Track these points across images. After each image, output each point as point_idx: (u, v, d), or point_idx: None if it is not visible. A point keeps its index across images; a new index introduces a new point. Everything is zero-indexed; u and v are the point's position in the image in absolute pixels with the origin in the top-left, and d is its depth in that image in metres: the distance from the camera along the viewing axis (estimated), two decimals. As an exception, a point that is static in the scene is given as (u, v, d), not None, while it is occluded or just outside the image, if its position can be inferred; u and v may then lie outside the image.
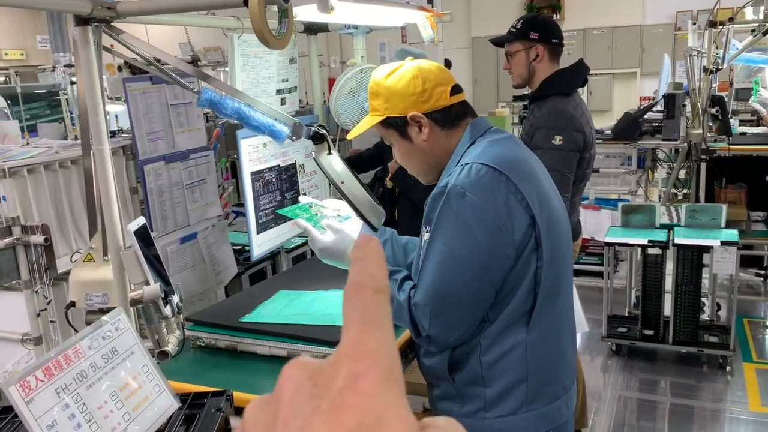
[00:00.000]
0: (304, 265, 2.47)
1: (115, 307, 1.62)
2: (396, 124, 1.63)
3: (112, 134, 4.06)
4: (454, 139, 1.63)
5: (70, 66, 7.86)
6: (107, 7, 1.36)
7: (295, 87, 2.24)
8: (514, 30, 2.69)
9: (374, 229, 1.78)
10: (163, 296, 1.48)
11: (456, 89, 1.64)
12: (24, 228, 2.51)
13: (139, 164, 3.01)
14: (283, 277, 2.32)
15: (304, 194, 2.42)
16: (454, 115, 1.62)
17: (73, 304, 1.64)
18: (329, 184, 1.86)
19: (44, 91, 7.54)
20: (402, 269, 1.63)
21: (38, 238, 2.49)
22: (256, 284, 2.51)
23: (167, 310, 1.50)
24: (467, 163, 1.51)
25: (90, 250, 1.68)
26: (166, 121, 2.78)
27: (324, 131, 1.75)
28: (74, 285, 1.65)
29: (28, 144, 2.91)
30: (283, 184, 2.19)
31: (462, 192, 1.46)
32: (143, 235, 1.55)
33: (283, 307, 1.83)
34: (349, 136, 1.75)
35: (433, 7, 2.01)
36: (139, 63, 1.63)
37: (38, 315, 2.58)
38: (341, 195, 1.72)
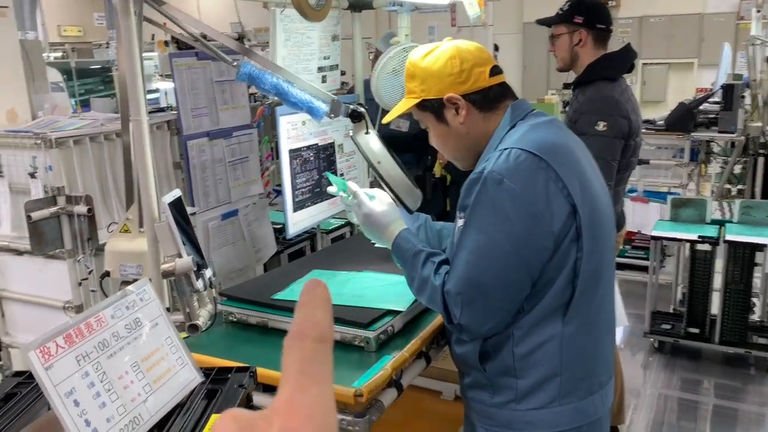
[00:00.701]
0: (339, 246, 2.45)
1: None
2: (432, 107, 1.59)
3: (161, 110, 4.12)
4: (493, 123, 1.58)
5: (122, 42, 8.02)
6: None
7: (337, 65, 2.21)
8: (560, 12, 2.63)
9: (410, 211, 1.75)
10: (195, 269, 1.47)
11: (495, 70, 1.58)
12: (68, 198, 2.56)
13: (182, 140, 3.04)
14: (318, 256, 2.31)
15: (342, 175, 2.40)
16: (492, 97, 1.57)
17: (107, 274, 1.66)
18: (367, 166, 1.83)
19: (98, 66, 7.70)
20: (441, 252, 1.59)
21: (81, 209, 2.54)
22: (290, 262, 2.52)
23: (199, 284, 1.50)
24: (506, 148, 1.46)
25: (126, 221, 1.69)
26: (211, 97, 2.78)
27: (362, 110, 1.72)
28: (110, 255, 1.66)
29: (76, 116, 2.96)
30: (321, 163, 2.17)
31: (499, 178, 1.41)
32: (178, 208, 1.55)
33: (316, 286, 1.82)
34: (385, 120, 1.72)
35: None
36: (185, 38, 1.62)
37: (80, 284, 2.64)
38: (377, 175, 1.69)
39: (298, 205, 2.15)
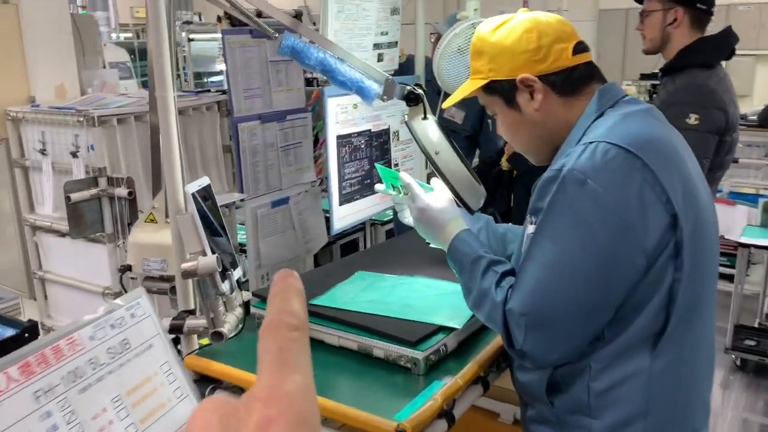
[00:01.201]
0: (390, 244, 2.23)
1: (172, 276, 1.45)
2: (502, 90, 1.35)
3: (223, 93, 3.98)
4: (576, 110, 1.33)
5: (187, 23, 8.00)
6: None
7: (396, 42, 1.98)
8: None
9: (471, 211, 1.51)
10: (221, 270, 1.29)
11: (580, 47, 1.33)
12: (110, 179, 2.44)
13: (233, 122, 2.88)
14: (365, 255, 2.10)
15: (396, 166, 2.17)
16: (576, 79, 1.32)
17: (129, 267, 1.49)
18: (424, 157, 1.60)
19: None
20: (505, 261, 1.35)
21: (122, 191, 2.41)
22: (334, 262, 2.32)
23: (225, 286, 1.31)
24: (591, 142, 1.21)
25: (152, 209, 1.52)
26: (265, 78, 2.60)
27: (420, 91, 1.49)
28: (132, 247, 1.49)
29: (123, 94, 2.84)
30: (373, 151, 1.95)
31: (582, 179, 1.16)
32: (207, 198, 1.37)
33: (360, 291, 1.61)
34: (445, 105, 1.48)
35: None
36: (220, 4, 1.43)
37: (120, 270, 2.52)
38: (434, 168, 1.45)
39: (346, 198, 1.94)
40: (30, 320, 2.61)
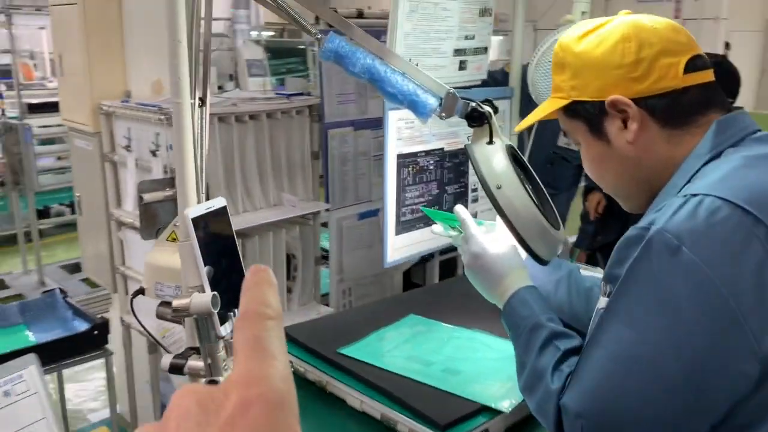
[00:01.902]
0: (460, 281, 1.95)
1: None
2: (586, 113, 1.05)
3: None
4: (683, 147, 1.00)
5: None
6: None
7: (485, 48, 1.69)
8: None
9: (541, 262, 1.21)
10: (219, 310, 1.09)
11: (695, 64, 1.00)
12: (186, 181, 2.35)
13: (323, 127, 2.72)
14: (428, 293, 1.82)
15: (465, 197, 1.88)
16: (686, 106, 1.00)
17: (142, 291, 1.34)
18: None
19: (302, 47, 7.88)
20: (573, 335, 1.05)
21: (195, 195, 2.31)
22: (386, 298, 2.05)
23: (224, 330, 1.11)
24: (695, 194, 0.88)
25: (174, 227, 1.36)
26: (360, 83, 2.40)
27: (488, 109, 1.21)
28: (148, 268, 1.34)
29: (217, 94, 2.76)
30: (446, 174, 1.68)
31: (675, 245, 0.85)
32: (218, 222, 1.18)
33: (403, 341, 1.36)
34: (517, 128, 1.19)
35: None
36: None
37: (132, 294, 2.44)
38: (494, 206, 1.17)
39: (405, 227, 1.68)
40: (102, 317, 2.61)
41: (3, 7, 5.47)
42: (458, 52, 1.62)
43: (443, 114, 1.22)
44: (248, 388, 0.30)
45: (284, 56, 7.12)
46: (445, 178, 1.66)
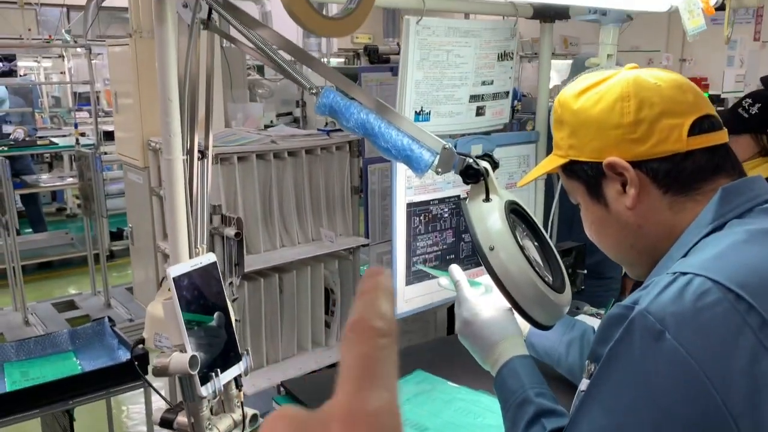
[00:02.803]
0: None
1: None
2: (584, 174, 0.99)
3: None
4: (686, 215, 0.93)
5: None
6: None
7: (507, 92, 1.62)
8: (746, 116, 1.77)
9: (541, 327, 1.14)
10: (200, 371, 1.08)
11: (703, 125, 0.92)
12: (224, 218, 2.39)
13: (363, 163, 2.72)
14: (440, 344, 1.76)
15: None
16: (690, 172, 0.92)
17: (142, 341, 1.35)
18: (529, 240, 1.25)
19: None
20: (561, 412, 0.99)
21: (230, 231, 2.34)
22: (403, 348, 1.99)
23: (206, 390, 1.10)
24: (685, 273, 0.80)
25: (164, 280, 1.37)
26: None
27: (484, 165, 1.16)
28: (149, 319, 1.35)
29: (259, 131, 2.80)
30: (462, 222, 1.62)
31: (657, 329, 0.77)
32: (208, 278, 1.17)
33: (405, 401, 1.31)
34: (520, 183, 1.14)
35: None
36: (248, 50, 1.23)
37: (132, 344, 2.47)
38: (486, 268, 1.11)
39: (417, 276, 1.63)
40: (143, 347, 2.67)
41: (85, 42, 5.80)
42: (474, 98, 1.57)
43: (439, 170, 1.17)
44: (350, 427, 0.26)
45: (354, 72, 7.21)
46: (462, 226, 1.61)
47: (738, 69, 6.04)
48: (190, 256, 1.25)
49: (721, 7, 1.27)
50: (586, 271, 1.93)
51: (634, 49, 8.62)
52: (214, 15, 1.22)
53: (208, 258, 1.18)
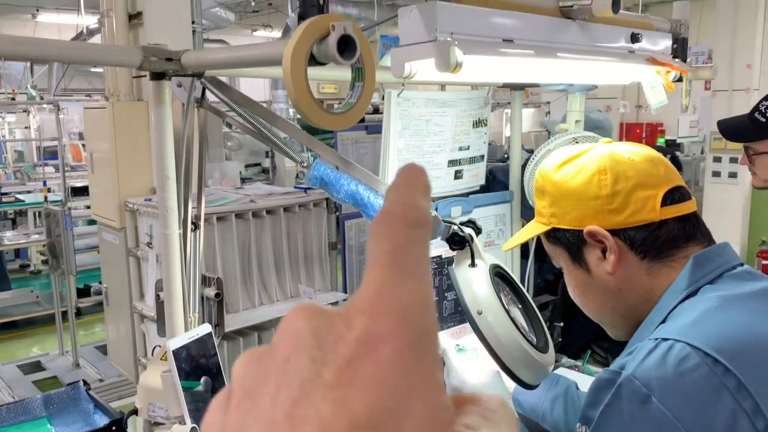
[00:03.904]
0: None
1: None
2: (566, 241, 1.05)
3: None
4: (662, 280, 0.99)
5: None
6: (166, 58, 1.03)
7: (482, 156, 1.71)
8: (764, 120, 1.77)
9: (527, 386, 1.19)
10: (199, 442, 1.09)
11: (674, 196, 1.00)
12: (203, 278, 2.40)
13: (340, 219, 2.77)
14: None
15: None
16: (664, 239, 0.99)
17: (135, 412, 1.35)
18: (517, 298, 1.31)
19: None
20: None
21: (210, 291, 2.35)
22: None
23: (205, 461, 1.11)
24: (666, 339, 0.87)
25: (158, 347, 1.38)
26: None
27: (468, 232, 1.22)
28: (141, 389, 1.36)
29: (237, 189, 2.84)
30: (445, 281, 1.68)
31: (644, 394, 0.83)
32: (203, 347, 1.20)
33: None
34: (504, 248, 1.20)
35: (677, 57, 1.33)
36: (239, 125, 1.29)
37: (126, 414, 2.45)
38: (474, 332, 1.16)
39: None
40: (121, 412, 2.63)
41: (53, 96, 5.80)
42: (453, 162, 1.65)
43: (426, 237, 1.23)
44: (378, 320, 0.23)
45: (319, 133, 7.29)
46: (444, 285, 1.67)
47: (692, 115, 6.32)
48: (193, 325, 1.27)
49: (679, 79, 1.38)
50: (563, 324, 1.99)
51: (593, 96, 8.95)
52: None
53: (203, 329, 1.20)
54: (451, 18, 0.92)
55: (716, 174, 5.54)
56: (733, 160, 5.22)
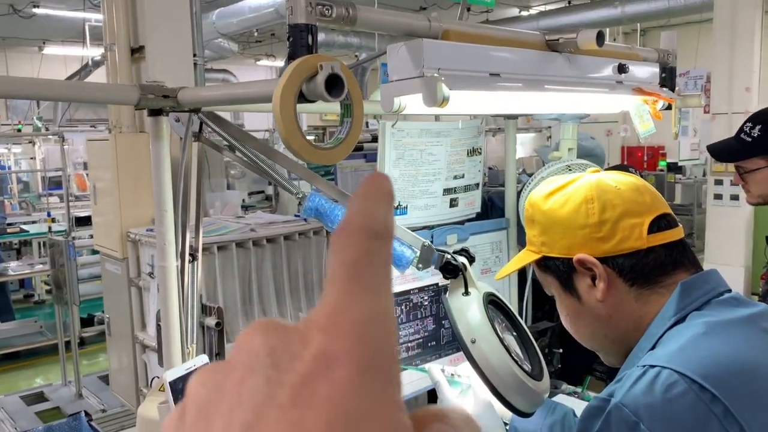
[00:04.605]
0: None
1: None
2: (557, 269, 1.07)
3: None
4: (651, 307, 1.01)
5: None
6: (163, 95, 1.06)
7: (477, 184, 1.74)
8: (749, 140, 1.85)
9: (522, 414, 1.20)
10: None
11: (661, 223, 1.02)
12: (204, 308, 2.41)
13: (340, 246, 2.79)
14: None
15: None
16: (652, 266, 1.01)
17: (133, 443, 1.36)
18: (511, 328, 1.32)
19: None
20: None
21: (211, 321, 2.36)
22: None
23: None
24: (653, 366, 0.88)
25: (156, 379, 1.40)
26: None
27: (462, 260, 1.23)
28: (140, 420, 1.37)
29: (238, 218, 2.87)
30: (442, 309, 1.70)
31: (632, 421, 0.84)
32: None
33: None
34: (498, 276, 1.22)
35: (665, 86, 1.35)
36: (237, 159, 1.31)
37: None
38: (468, 360, 1.17)
39: (403, 363, 1.68)
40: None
41: (58, 127, 5.87)
42: (448, 191, 1.67)
43: (420, 265, 1.25)
44: (334, 338, 0.23)
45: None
46: (442, 313, 1.68)
47: (692, 138, 6.35)
48: (190, 356, 1.28)
49: (669, 107, 1.40)
50: (561, 350, 1.99)
51: (593, 120, 9.00)
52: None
53: (201, 360, 1.22)
54: (437, 54, 0.94)
55: (718, 196, 5.54)
56: (735, 183, 5.26)
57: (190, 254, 1.36)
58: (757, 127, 1.87)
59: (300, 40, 0.84)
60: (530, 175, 2.29)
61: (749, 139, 1.86)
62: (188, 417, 0.24)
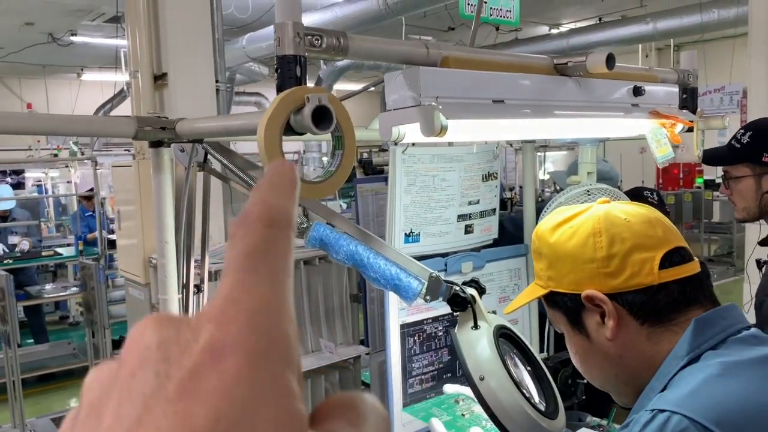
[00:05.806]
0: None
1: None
2: (564, 305, 1.02)
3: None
4: (663, 345, 0.95)
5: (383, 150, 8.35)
6: (161, 127, 1.04)
7: (494, 210, 1.69)
8: (738, 146, 1.84)
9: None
10: None
11: (673, 258, 0.96)
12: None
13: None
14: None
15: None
16: (664, 303, 0.95)
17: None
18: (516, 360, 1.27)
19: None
20: None
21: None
22: None
23: None
24: (663, 410, 0.82)
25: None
26: (398, 226, 2.44)
27: (470, 293, 1.19)
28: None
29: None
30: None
31: None
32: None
33: None
34: (506, 311, 1.17)
35: (686, 108, 1.29)
36: (242, 189, 1.29)
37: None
38: (477, 398, 1.12)
39: (414, 398, 1.62)
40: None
41: (92, 152, 5.99)
42: (462, 217, 1.63)
43: (427, 297, 1.21)
44: (224, 329, 0.22)
45: (350, 180, 7.39)
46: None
47: (729, 155, 6.18)
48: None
49: (690, 129, 1.34)
50: (586, 380, 1.92)
51: (626, 138, 8.83)
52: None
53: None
54: (434, 82, 0.91)
55: (756, 213, 5.37)
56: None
57: (195, 285, 1.34)
58: (748, 134, 1.86)
59: (288, 72, 0.82)
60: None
61: (738, 146, 1.86)
62: (81, 414, 0.24)
